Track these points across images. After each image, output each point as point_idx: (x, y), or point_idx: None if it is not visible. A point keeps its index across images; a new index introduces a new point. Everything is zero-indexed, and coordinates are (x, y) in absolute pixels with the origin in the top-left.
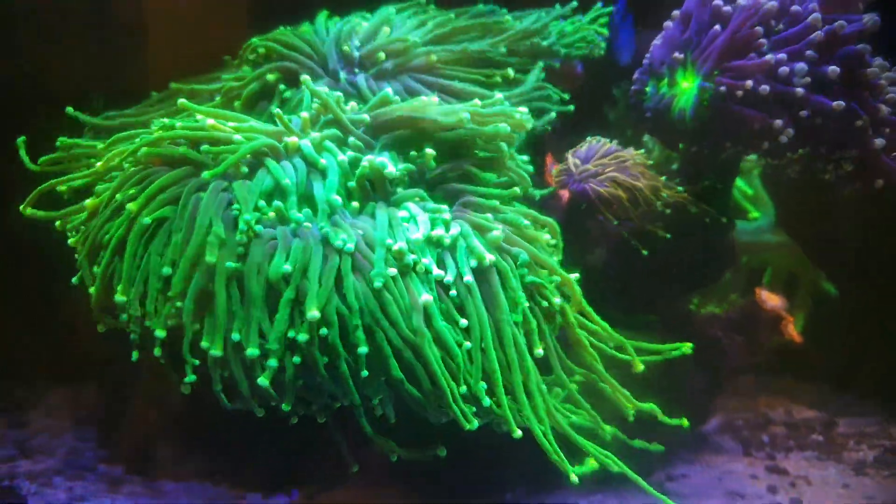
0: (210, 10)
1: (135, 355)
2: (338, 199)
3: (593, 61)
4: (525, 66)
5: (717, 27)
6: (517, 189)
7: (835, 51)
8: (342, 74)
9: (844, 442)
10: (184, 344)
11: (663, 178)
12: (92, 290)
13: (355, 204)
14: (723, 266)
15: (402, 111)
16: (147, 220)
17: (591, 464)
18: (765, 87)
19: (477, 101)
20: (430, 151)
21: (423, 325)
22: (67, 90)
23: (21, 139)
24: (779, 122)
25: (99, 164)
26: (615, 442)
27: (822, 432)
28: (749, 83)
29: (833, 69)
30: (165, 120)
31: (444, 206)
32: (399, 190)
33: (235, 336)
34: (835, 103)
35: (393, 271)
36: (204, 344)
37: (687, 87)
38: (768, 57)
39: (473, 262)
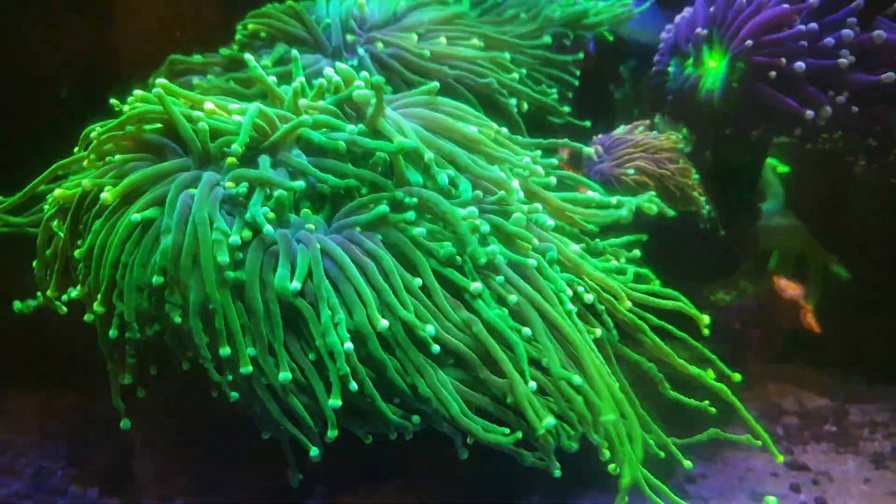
0: None
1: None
2: None
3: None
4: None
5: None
6: None
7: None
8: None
9: (859, 432)
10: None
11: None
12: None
13: None
14: (746, 255)
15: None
16: (135, 217)
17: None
18: (800, 65)
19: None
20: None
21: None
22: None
23: None
24: (821, 109)
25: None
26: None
27: (834, 422)
28: (783, 61)
29: (879, 34)
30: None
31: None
32: None
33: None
34: (884, 76)
35: None
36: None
37: (714, 67)
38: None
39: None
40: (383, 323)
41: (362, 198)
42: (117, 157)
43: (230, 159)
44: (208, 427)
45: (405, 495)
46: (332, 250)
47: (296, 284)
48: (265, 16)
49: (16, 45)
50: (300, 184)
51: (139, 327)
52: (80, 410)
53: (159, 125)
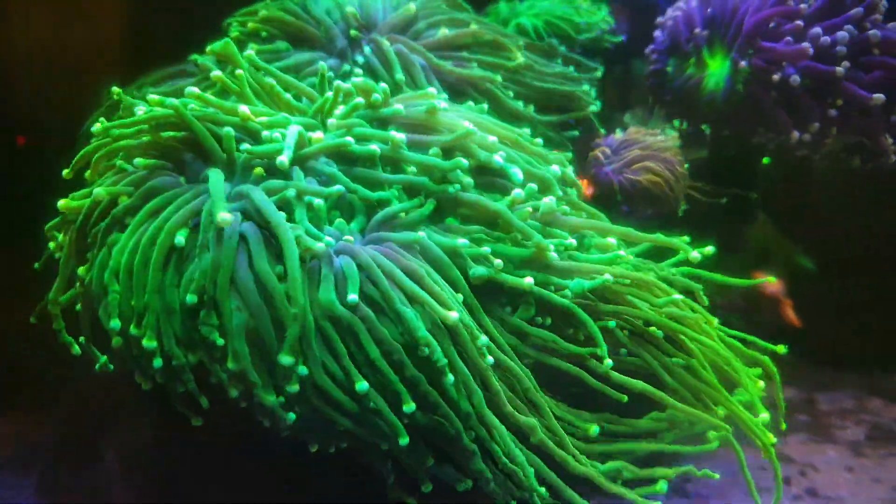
0: None
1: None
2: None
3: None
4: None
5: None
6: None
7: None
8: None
9: (830, 421)
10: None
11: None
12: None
13: None
14: (735, 252)
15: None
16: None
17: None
18: (796, 78)
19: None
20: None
21: None
22: None
23: None
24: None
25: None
26: None
27: (805, 411)
28: (785, 66)
29: (874, 33)
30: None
31: None
32: None
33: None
34: (875, 96)
35: None
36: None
37: (716, 68)
38: (805, 45)
39: None
40: (453, 315)
41: (400, 205)
42: (136, 160)
43: (258, 170)
44: (194, 457)
45: None
46: (378, 260)
47: (353, 297)
48: (267, 16)
49: None
50: (338, 188)
51: (182, 353)
52: (54, 438)
53: (182, 133)
